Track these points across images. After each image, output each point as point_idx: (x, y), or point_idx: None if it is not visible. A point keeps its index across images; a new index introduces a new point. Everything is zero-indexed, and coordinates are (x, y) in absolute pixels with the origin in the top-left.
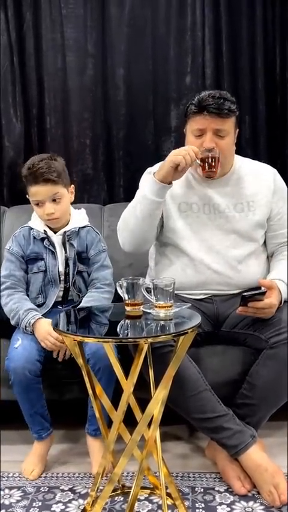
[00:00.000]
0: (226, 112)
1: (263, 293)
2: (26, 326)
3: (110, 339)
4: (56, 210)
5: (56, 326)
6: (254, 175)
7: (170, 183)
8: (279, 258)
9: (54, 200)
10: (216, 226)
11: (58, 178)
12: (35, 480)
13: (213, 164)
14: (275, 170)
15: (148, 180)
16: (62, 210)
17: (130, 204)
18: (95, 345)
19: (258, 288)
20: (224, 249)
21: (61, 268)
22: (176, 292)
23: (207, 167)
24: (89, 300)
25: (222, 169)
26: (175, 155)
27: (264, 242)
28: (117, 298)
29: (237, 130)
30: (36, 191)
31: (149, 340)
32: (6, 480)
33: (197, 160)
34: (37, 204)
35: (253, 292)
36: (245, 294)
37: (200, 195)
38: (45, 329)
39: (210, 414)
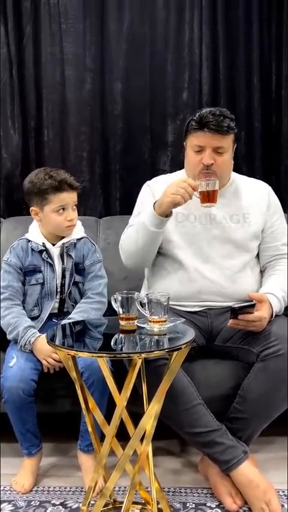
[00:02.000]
0: (226, 129)
1: (253, 306)
2: (25, 344)
3: (104, 354)
4: (75, 218)
5: (50, 340)
6: (250, 189)
7: (170, 214)
8: (271, 272)
9: (72, 208)
10: (212, 236)
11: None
12: (26, 494)
13: (211, 196)
14: (269, 187)
15: (149, 212)
16: (76, 218)
17: (131, 229)
18: (89, 358)
19: (249, 301)
20: (219, 258)
21: (58, 280)
22: (171, 303)
23: (207, 200)
24: (77, 311)
25: (220, 183)
26: (174, 195)
27: (258, 255)
28: (112, 311)
29: (235, 145)
30: (63, 197)
31: (143, 355)
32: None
33: (196, 193)
34: (59, 211)
35: (243, 304)
36: (235, 306)
37: (197, 206)
38: (47, 347)
39: (203, 428)
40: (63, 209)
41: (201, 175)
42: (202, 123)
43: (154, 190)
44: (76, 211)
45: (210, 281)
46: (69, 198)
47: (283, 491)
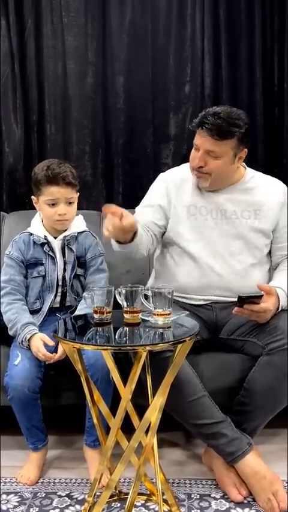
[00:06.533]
0: (219, 134)
1: (260, 297)
2: (22, 341)
3: (109, 347)
4: (68, 212)
5: (55, 333)
6: (264, 186)
7: (132, 239)
8: (281, 268)
9: (68, 203)
10: (222, 231)
11: (76, 184)
12: (32, 486)
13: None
14: (285, 186)
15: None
16: (72, 214)
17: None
18: (93, 356)
19: (257, 291)
20: (228, 254)
21: (60, 273)
22: (177, 295)
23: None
24: (82, 308)
25: (215, 186)
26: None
27: (269, 253)
28: (115, 305)
29: (245, 149)
30: (56, 191)
31: (148, 348)
32: (4, 485)
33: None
34: (50, 204)
35: (250, 294)
36: (242, 295)
37: (209, 201)
38: (35, 344)
39: (208, 420)
40: (54, 203)
41: (193, 172)
42: (200, 122)
43: (168, 185)
44: (73, 206)
45: (219, 276)
46: (60, 193)
47: (287, 482)
